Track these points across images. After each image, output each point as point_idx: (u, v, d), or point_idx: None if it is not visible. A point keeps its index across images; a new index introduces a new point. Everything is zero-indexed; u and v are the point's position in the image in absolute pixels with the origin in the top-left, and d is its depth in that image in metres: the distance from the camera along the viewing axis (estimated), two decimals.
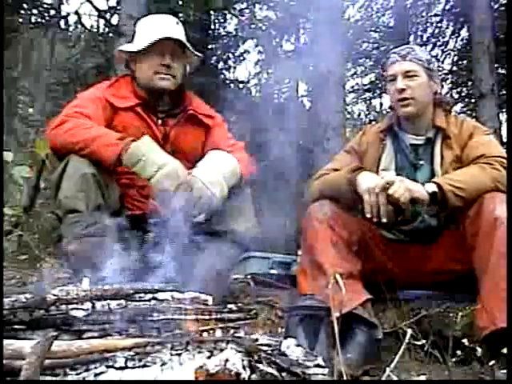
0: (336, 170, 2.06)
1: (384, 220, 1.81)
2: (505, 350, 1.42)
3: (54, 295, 1.10)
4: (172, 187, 1.79)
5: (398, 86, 1.99)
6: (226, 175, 1.90)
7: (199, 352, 0.98)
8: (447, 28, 7.93)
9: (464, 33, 7.64)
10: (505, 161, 1.85)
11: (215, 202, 1.84)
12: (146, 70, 2.09)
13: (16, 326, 1.06)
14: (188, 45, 2.12)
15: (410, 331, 1.22)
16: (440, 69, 7.80)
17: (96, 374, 0.93)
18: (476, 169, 1.86)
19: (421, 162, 2.02)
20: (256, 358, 0.95)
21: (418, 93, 1.99)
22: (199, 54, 2.19)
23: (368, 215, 1.82)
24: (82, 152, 1.86)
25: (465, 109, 8.17)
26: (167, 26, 2.11)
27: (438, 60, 7.91)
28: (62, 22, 6.24)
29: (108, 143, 1.86)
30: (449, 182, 1.81)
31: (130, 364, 0.94)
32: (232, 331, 1.16)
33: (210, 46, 6.60)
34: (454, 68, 8.11)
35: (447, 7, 7.72)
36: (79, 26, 6.24)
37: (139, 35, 2.15)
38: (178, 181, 1.80)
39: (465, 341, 1.45)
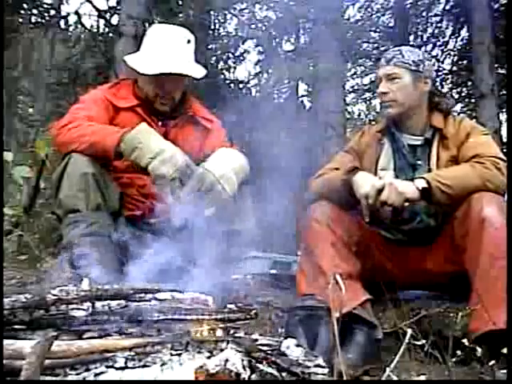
0: (335, 169, 2.06)
1: (385, 221, 1.83)
2: (505, 350, 1.42)
3: (54, 295, 1.10)
4: (169, 173, 1.76)
5: (379, 90, 2.04)
6: (237, 171, 1.88)
7: (199, 352, 0.98)
8: (447, 28, 7.93)
9: (464, 33, 7.64)
10: (498, 161, 1.85)
11: (226, 198, 1.81)
12: (149, 90, 2.10)
13: (16, 326, 1.06)
14: (194, 75, 2.09)
15: (409, 331, 1.22)
16: (440, 69, 7.81)
17: (96, 374, 0.93)
18: (466, 167, 1.86)
19: (419, 163, 2.02)
20: (256, 357, 0.95)
21: (399, 95, 2.00)
22: (203, 73, 2.16)
23: (367, 219, 1.83)
24: (83, 145, 1.87)
25: (465, 109, 8.18)
26: (177, 51, 2.07)
27: (438, 60, 7.92)
28: (62, 22, 6.24)
29: (108, 133, 1.87)
30: (437, 178, 1.82)
31: (130, 364, 0.94)
32: (232, 331, 1.16)
33: (209, 46, 6.60)
34: (454, 68, 8.11)
35: (447, 7, 7.73)
36: (79, 25, 6.25)
37: (147, 48, 2.13)
38: (176, 166, 1.77)
39: (465, 341, 1.45)
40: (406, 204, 1.82)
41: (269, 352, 0.99)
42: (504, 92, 6.60)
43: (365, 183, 1.85)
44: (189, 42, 2.12)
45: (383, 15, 8.13)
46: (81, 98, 2.19)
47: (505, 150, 5.13)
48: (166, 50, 2.08)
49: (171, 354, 0.96)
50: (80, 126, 1.92)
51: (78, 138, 1.89)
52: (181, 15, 6.03)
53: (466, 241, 1.77)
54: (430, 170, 1.98)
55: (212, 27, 6.82)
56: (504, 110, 6.85)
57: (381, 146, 2.09)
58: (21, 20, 5.93)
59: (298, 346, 1.04)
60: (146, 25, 4.84)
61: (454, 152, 1.97)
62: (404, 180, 1.97)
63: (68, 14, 6.16)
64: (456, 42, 7.93)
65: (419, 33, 8.05)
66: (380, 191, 1.80)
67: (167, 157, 1.78)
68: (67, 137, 1.92)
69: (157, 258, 1.80)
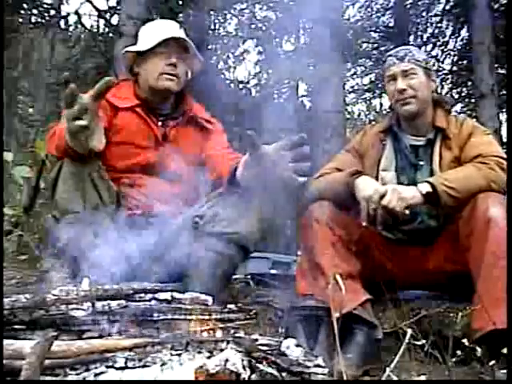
0: (337, 168, 2.06)
1: (379, 228, 1.83)
2: (505, 350, 1.42)
3: (54, 295, 1.10)
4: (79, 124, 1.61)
5: (398, 87, 1.99)
6: None
7: (199, 352, 0.98)
8: (447, 28, 7.94)
9: (464, 33, 7.65)
10: (502, 161, 1.85)
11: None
12: (152, 71, 2.08)
13: (16, 326, 1.06)
14: (192, 44, 2.12)
15: (409, 331, 1.22)
16: (440, 69, 7.81)
17: (96, 374, 0.92)
18: (471, 168, 1.86)
19: (421, 163, 2.02)
20: (256, 357, 0.95)
21: (418, 91, 1.99)
22: (201, 57, 2.19)
23: (364, 223, 1.83)
24: (64, 151, 1.82)
25: (465, 109, 8.18)
26: (171, 29, 2.12)
27: (438, 60, 7.92)
28: (62, 22, 6.25)
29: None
30: (443, 181, 1.81)
31: (130, 364, 0.94)
32: (232, 331, 1.16)
33: (209, 46, 6.60)
34: (454, 68, 8.11)
35: (447, 7, 7.74)
36: (79, 26, 6.26)
37: (144, 38, 2.14)
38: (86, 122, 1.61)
39: (465, 341, 1.45)
40: (407, 211, 1.81)
41: (269, 352, 0.98)
42: (504, 92, 6.60)
43: (367, 187, 1.85)
44: (180, 27, 2.15)
45: (383, 15, 8.14)
46: None
47: (505, 150, 5.13)
48: (163, 30, 2.10)
49: (171, 354, 0.96)
50: (62, 132, 1.88)
51: (61, 147, 1.84)
52: (181, 15, 6.03)
53: (470, 240, 1.77)
54: (432, 171, 1.98)
55: (212, 27, 6.82)
56: (504, 110, 6.85)
57: (383, 146, 2.08)
58: (21, 20, 5.94)
59: (297, 346, 1.04)
60: None
61: (457, 152, 1.97)
62: (405, 179, 1.97)
63: (68, 14, 6.17)
64: (456, 42, 7.94)
65: (419, 33, 8.05)
66: (382, 196, 1.80)
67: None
68: (54, 147, 1.90)
69: (156, 258, 1.80)
